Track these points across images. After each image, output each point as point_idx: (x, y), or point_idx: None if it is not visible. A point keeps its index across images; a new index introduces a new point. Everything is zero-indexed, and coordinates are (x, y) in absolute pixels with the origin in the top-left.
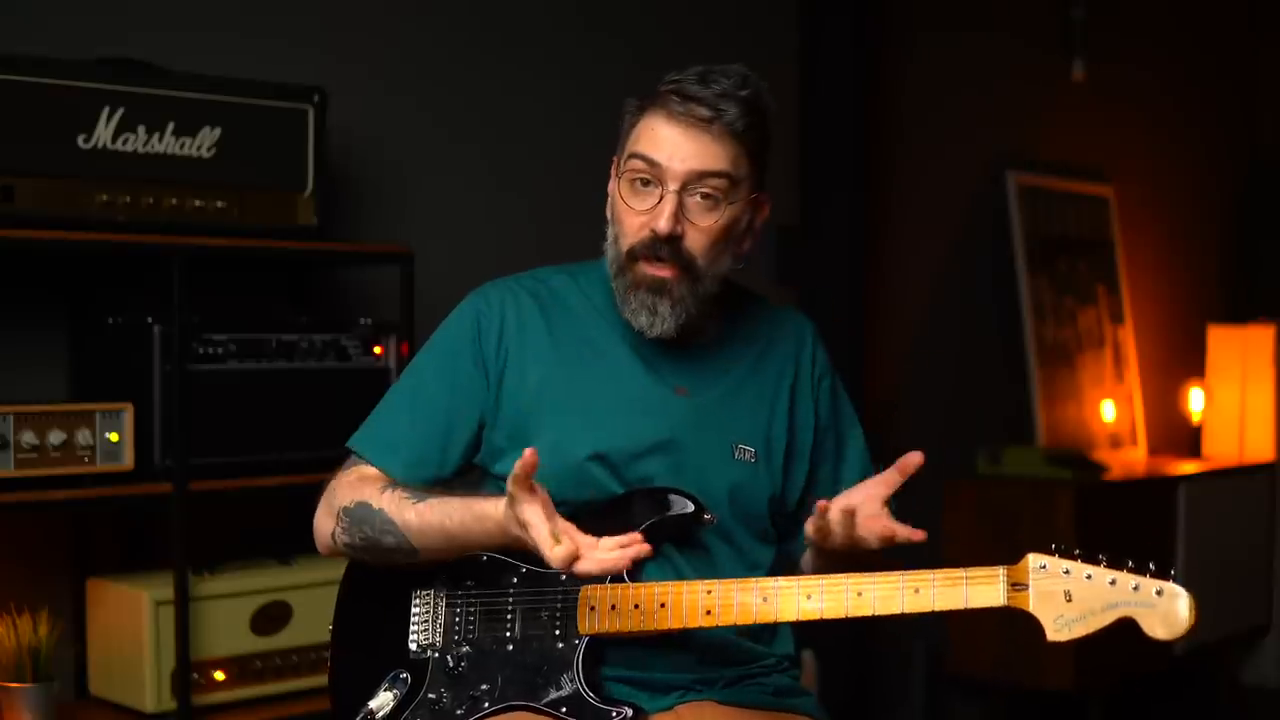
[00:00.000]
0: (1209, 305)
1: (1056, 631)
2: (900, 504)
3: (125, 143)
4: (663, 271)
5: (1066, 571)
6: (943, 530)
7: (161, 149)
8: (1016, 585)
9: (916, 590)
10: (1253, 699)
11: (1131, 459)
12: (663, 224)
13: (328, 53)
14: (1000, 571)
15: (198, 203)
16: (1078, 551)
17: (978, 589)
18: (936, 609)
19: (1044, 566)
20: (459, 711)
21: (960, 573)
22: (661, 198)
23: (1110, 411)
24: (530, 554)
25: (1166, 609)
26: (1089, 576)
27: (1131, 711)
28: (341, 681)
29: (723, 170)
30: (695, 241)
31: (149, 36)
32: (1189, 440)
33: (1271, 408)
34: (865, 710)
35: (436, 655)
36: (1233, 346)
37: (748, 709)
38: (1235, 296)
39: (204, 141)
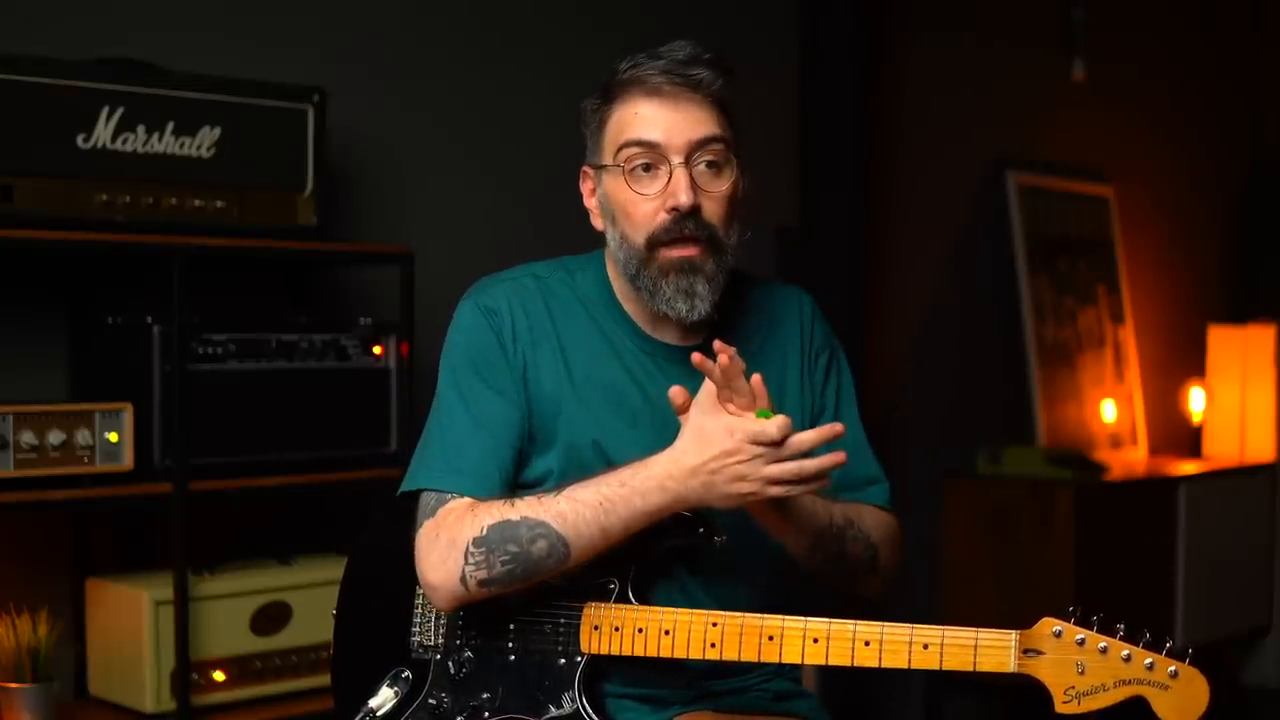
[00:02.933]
0: (1209, 305)
1: (1065, 704)
2: (901, 504)
3: (125, 143)
4: (689, 250)
5: (1081, 641)
6: (943, 530)
7: (161, 149)
8: (1029, 651)
9: (925, 646)
10: (1253, 699)
11: (1132, 459)
12: (683, 197)
13: (328, 53)
14: (1012, 636)
15: (197, 203)
16: (1095, 618)
17: (988, 652)
18: (944, 668)
19: (1058, 633)
20: (459, 718)
21: (972, 633)
22: (671, 175)
23: (1110, 411)
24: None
25: (1181, 692)
26: (1103, 649)
27: (1131, 711)
28: (343, 677)
29: (717, 134)
30: (713, 211)
31: (149, 36)
32: (1189, 440)
33: (1272, 408)
34: (865, 710)
35: (438, 657)
36: (1233, 346)
37: (745, 715)
38: (1236, 296)
39: (204, 141)
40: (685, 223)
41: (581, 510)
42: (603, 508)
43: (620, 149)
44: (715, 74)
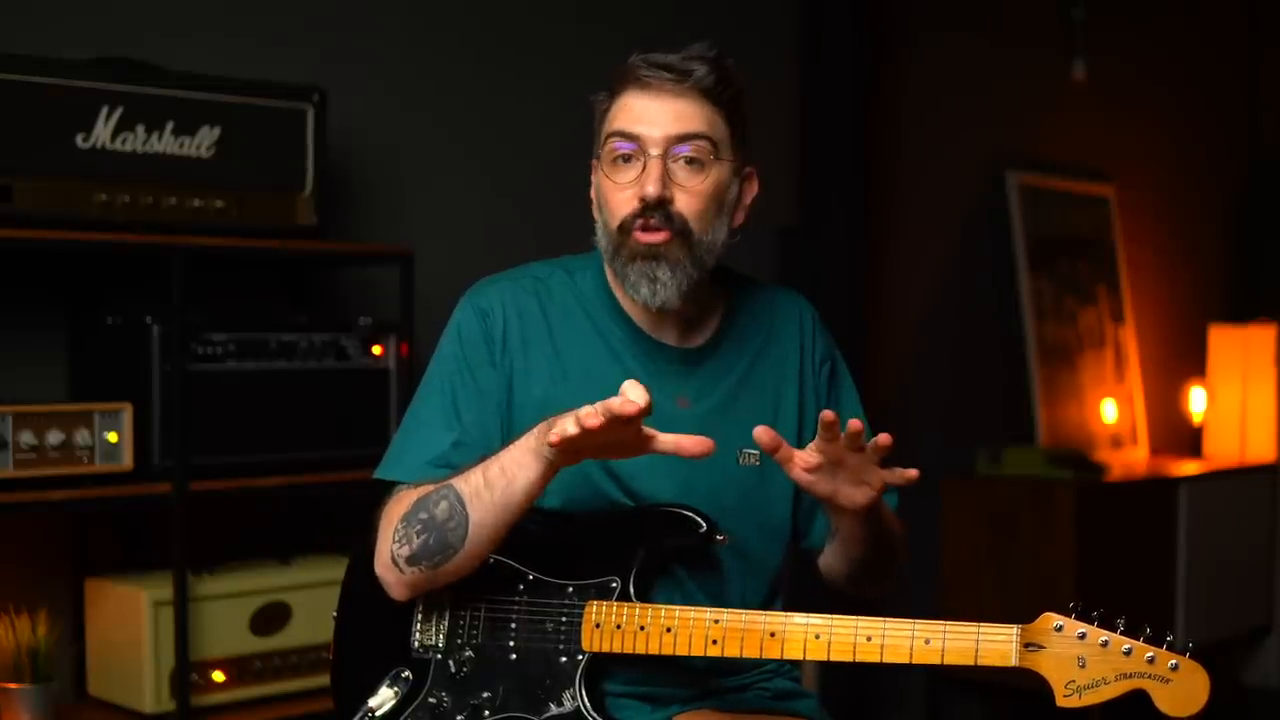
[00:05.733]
0: (1210, 305)
1: (1066, 697)
2: (901, 503)
3: (124, 142)
4: (656, 237)
5: (1082, 635)
6: (942, 530)
7: (161, 149)
8: (1030, 645)
9: (927, 641)
10: (1253, 699)
11: (1132, 459)
12: (650, 188)
13: (328, 53)
14: (1014, 630)
15: (197, 202)
16: (1095, 613)
17: (989, 646)
18: (945, 663)
19: (1060, 628)
20: (459, 717)
21: (973, 628)
22: (645, 166)
23: (1111, 411)
24: (538, 559)
25: (1182, 685)
26: (1104, 643)
27: (1131, 711)
28: (343, 677)
29: (701, 131)
30: (685, 205)
31: (148, 36)
32: (1190, 440)
33: (1273, 408)
34: (866, 711)
35: (439, 657)
36: (1234, 346)
37: (746, 714)
38: (1236, 296)
39: (203, 141)
40: (652, 213)
41: (474, 468)
42: (487, 461)
43: (607, 138)
44: (709, 70)
